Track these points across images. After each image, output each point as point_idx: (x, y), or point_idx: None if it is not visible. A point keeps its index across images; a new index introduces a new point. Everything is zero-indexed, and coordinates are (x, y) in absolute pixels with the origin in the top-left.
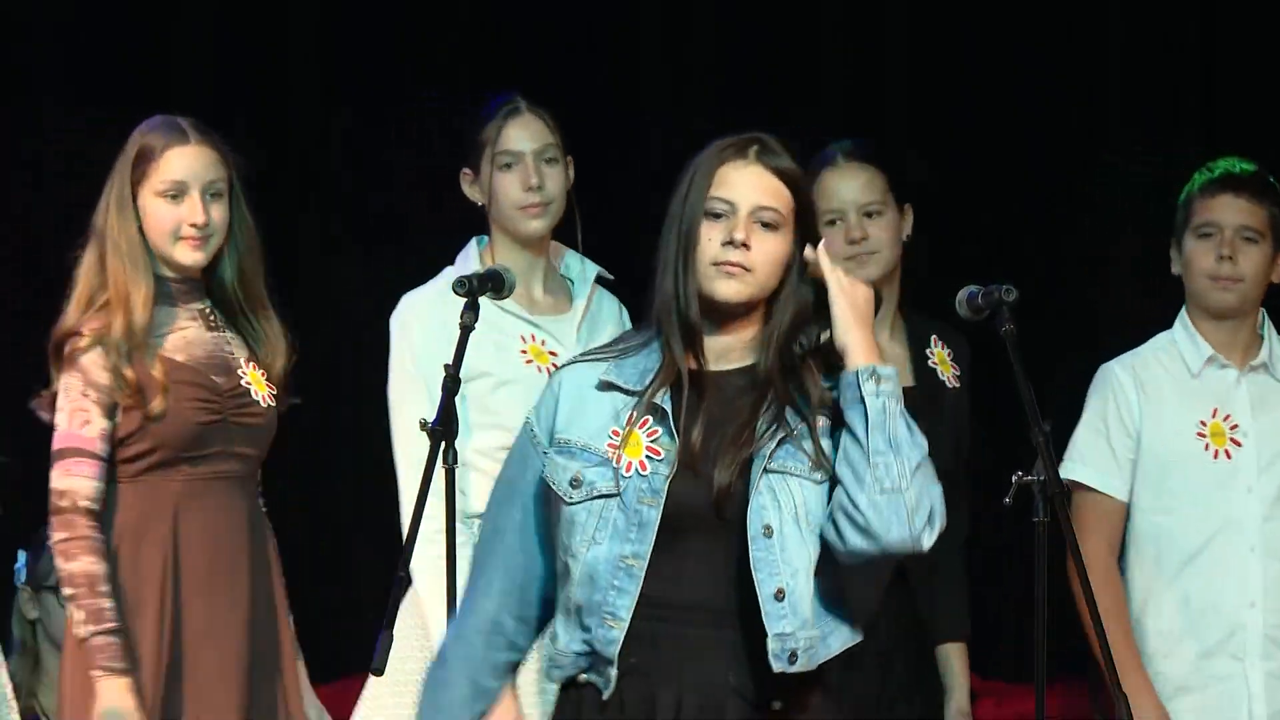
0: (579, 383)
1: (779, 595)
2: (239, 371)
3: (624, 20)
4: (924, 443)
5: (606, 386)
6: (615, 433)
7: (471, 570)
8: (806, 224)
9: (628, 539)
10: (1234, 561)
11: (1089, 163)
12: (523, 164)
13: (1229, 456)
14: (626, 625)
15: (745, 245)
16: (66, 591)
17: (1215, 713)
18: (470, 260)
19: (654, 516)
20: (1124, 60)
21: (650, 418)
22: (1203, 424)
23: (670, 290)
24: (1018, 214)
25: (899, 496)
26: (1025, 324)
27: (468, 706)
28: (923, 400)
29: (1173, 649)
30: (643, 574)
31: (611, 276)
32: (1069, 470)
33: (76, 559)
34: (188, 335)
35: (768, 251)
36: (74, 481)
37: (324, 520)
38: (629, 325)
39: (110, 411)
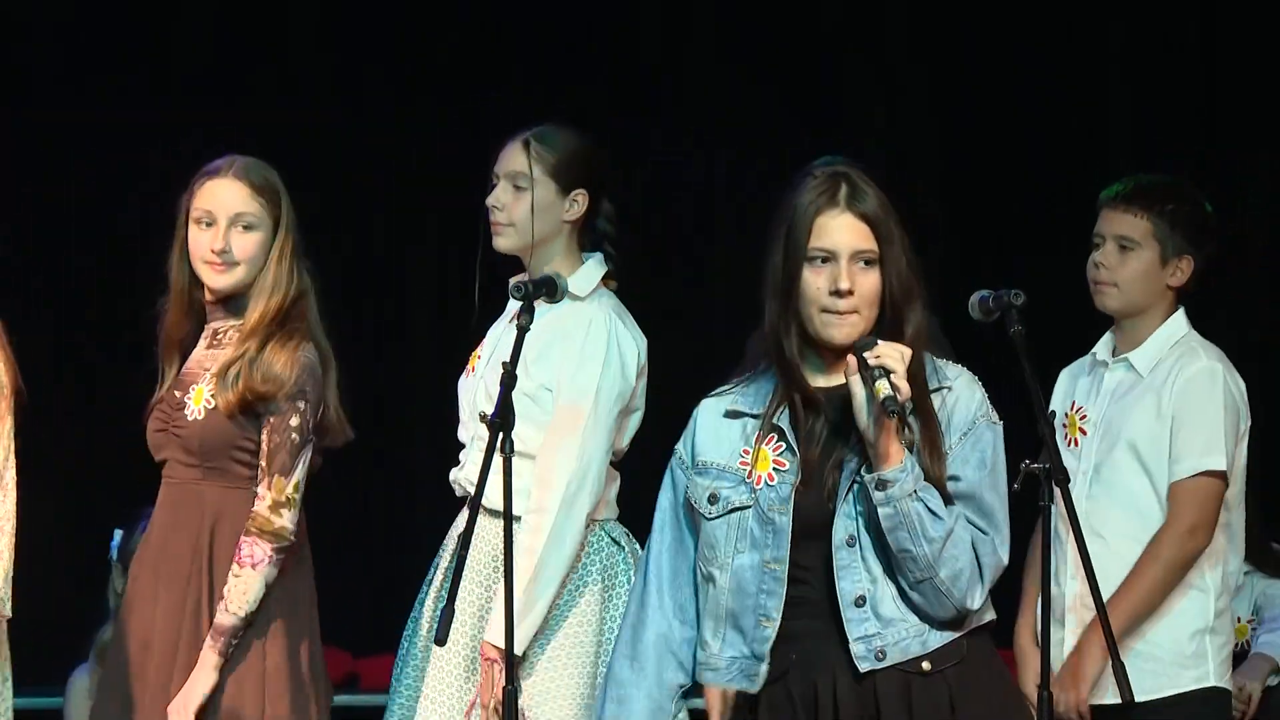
0: (712, 412)
1: (859, 601)
2: (191, 387)
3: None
4: (948, 521)
5: (734, 414)
6: (746, 451)
7: (634, 593)
8: (896, 252)
9: (766, 545)
10: (1062, 535)
11: (1093, 177)
12: (496, 184)
13: (1077, 444)
14: (778, 624)
15: (850, 292)
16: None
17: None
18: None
19: (786, 523)
20: (1125, 66)
21: (774, 435)
22: (1066, 415)
23: (776, 328)
24: (1027, 227)
25: (931, 583)
26: (1034, 326)
27: (660, 717)
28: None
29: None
30: (786, 575)
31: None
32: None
33: None
34: (196, 351)
35: (869, 288)
36: None
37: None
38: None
39: None
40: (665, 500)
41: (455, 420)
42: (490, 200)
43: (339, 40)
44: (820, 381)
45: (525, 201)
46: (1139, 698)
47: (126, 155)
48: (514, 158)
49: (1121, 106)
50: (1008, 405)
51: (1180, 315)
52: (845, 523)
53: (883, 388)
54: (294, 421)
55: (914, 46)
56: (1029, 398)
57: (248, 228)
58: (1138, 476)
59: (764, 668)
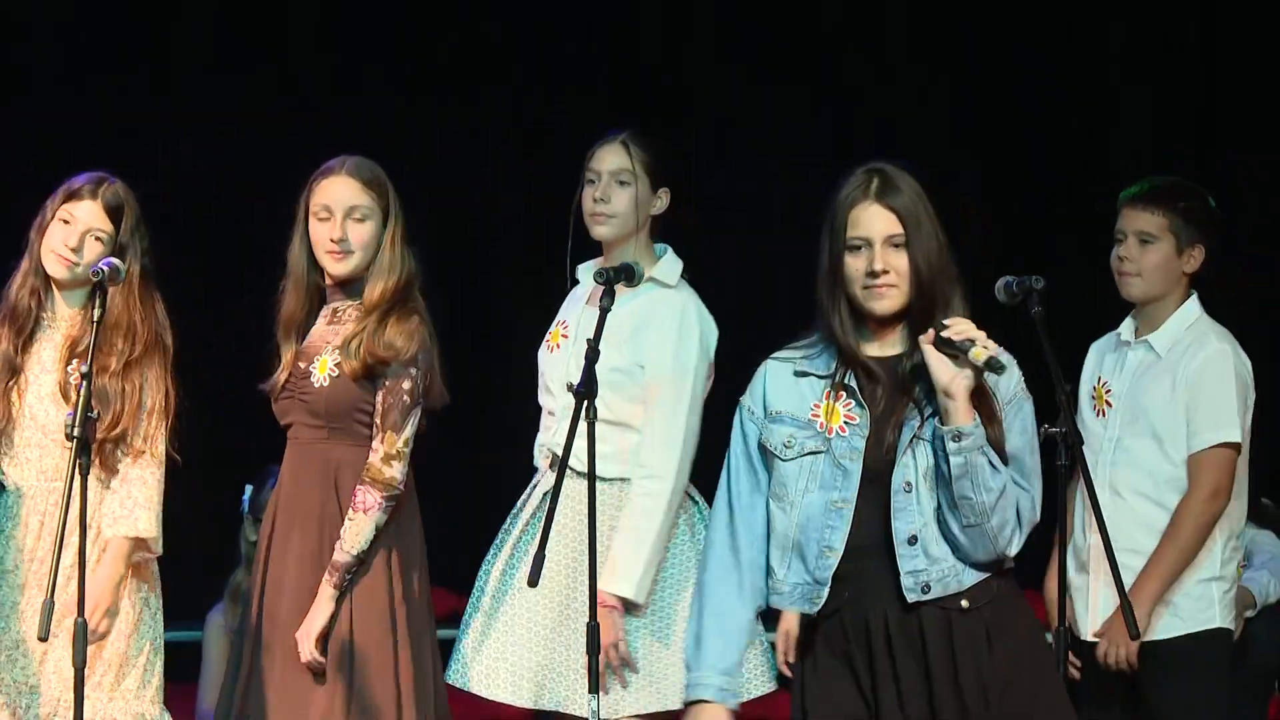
0: (781, 372)
1: (911, 540)
2: (315, 358)
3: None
4: (1004, 475)
5: (802, 374)
6: (816, 405)
7: (720, 524)
8: (924, 236)
9: (835, 486)
10: (1088, 495)
11: (1106, 177)
12: (598, 181)
13: (1104, 415)
14: (840, 554)
15: (885, 271)
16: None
17: (1078, 614)
18: (613, 256)
19: (856, 469)
20: (1131, 68)
21: (844, 393)
22: (1094, 389)
23: (828, 308)
24: (1050, 219)
25: (982, 528)
26: (1058, 307)
27: (745, 634)
28: None
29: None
30: (851, 514)
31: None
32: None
33: None
34: (313, 329)
35: (900, 267)
36: None
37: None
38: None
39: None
40: (738, 447)
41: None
42: (596, 194)
43: (339, 40)
44: (872, 351)
45: (627, 195)
46: (1160, 637)
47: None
48: (616, 156)
49: (1131, 111)
50: (1029, 376)
51: (1194, 300)
52: (903, 471)
53: (980, 353)
54: (406, 385)
55: (938, 50)
56: (1049, 371)
57: (361, 219)
58: (1153, 444)
59: (825, 591)
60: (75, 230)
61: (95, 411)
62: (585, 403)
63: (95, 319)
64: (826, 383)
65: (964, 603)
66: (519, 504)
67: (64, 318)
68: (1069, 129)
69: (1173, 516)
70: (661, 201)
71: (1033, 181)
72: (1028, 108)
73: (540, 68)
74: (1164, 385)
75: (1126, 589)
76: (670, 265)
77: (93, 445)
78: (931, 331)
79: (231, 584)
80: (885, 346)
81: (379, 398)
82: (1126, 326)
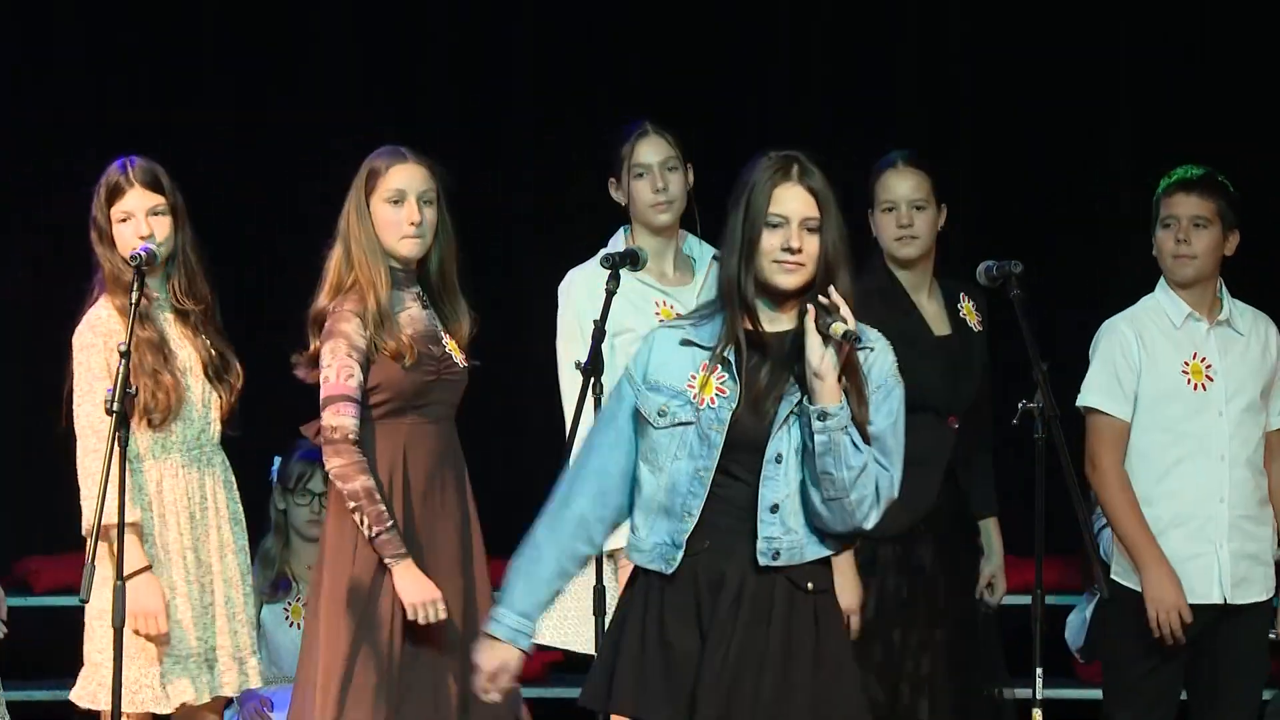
0: (667, 340)
1: (774, 508)
2: (443, 340)
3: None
4: (865, 454)
5: (687, 343)
6: (693, 376)
7: (567, 475)
8: (833, 225)
9: (699, 455)
10: (1207, 467)
11: (1092, 168)
12: (651, 173)
13: (1204, 389)
14: (697, 519)
15: (799, 249)
16: (350, 505)
17: (1196, 579)
18: (617, 243)
19: (719, 440)
20: (1123, 67)
21: (719, 367)
22: (1185, 364)
23: (735, 277)
24: (1033, 209)
25: (841, 503)
26: (1038, 291)
27: (551, 582)
28: (958, 343)
29: (1164, 531)
30: (710, 482)
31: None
32: (1088, 400)
33: (354, 479)
34: (412, 313)
35: (812, 249)
36: (343, 420)
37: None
38: None
39: (365, 368)
40: (613, 405)
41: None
42: (656, 185)
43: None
44: (766, 324)
45: (679, 180)
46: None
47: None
48: (659, 147)
49: (1122, 108)
50: (1010, 352)
51: (1223, 283)
52: (777, 444)
53: (839, 327)
54: None
55: (932, 43)
56: (1027, 349)
57: (428, 202)
58: (1255, 416)
59: (680, 555)
60: (138, 220)
61: (134, 387)
62: (591, 379)
63: (134, 301)
64: (705, 355)
65: (809, 584)
66: None
67: (159, 299)
68: (1060, 128)
69: (1274, 492)
70: (690, 177)
71: (1019, 174)
72: (1019, 105)
73: (545, 65)
74: (1253, 360)
75: (1250, 556)
76: (696, 243)
77: (131, 419)
78: (813, 309)
79: (261, 550)
80: (779, 322)
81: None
82: (1178, 307)
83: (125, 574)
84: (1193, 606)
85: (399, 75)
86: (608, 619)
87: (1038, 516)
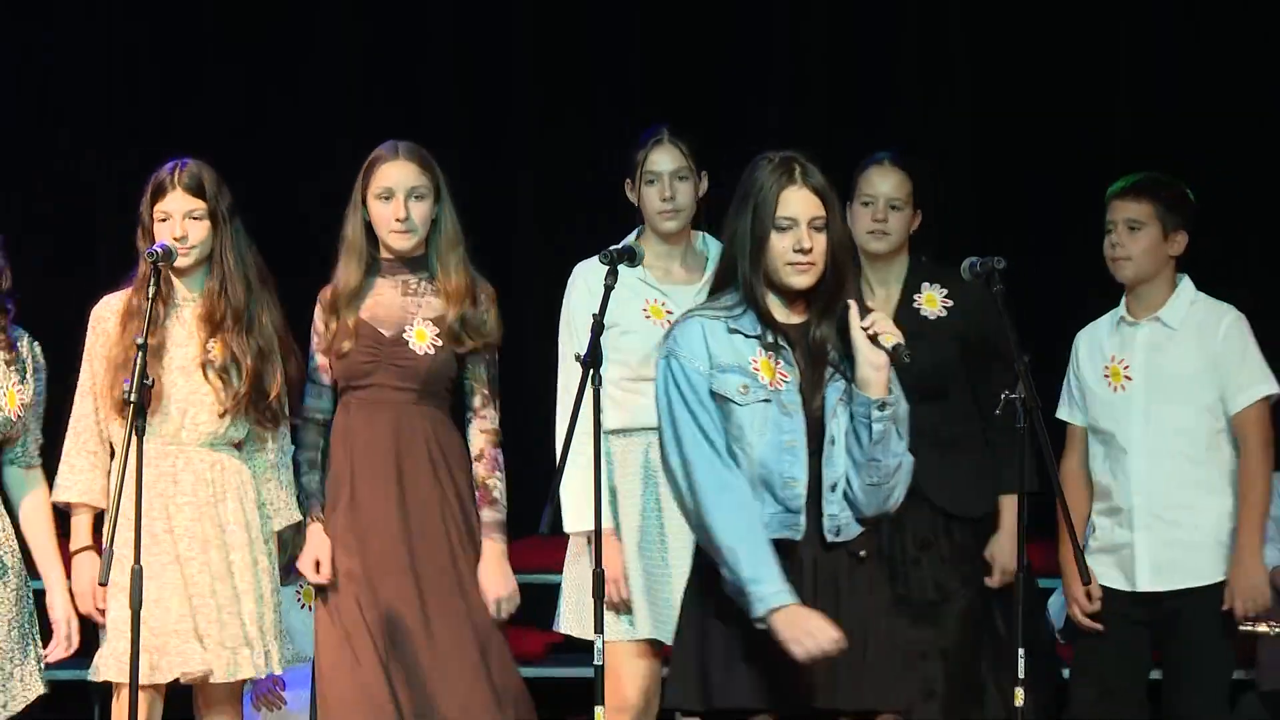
0: (715, 329)
1: (833, 487)
2: (408, 328)
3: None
4: (905, 442)
5: (735, 332)
6: (754, 361)
7: (705, 461)
8: (837, 219)
9: (784, 429)
10: (1126, 462)
11: (1087, 170)
12: (661, 181)
13: (1124, 389)
14: (804, 483)
15: (810, 249)
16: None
17: (1121, 567)
18: (628, 241)
19: (800, 417)
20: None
21: (773, 354)
22: (1106, 368)
23: (750, 281)
24: (1028, 214)
25: (881, 489)
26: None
27: (770, 544)
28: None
29: (1098, 522)
30: (803, 452)
31: None
32: (1059, 413)
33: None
34: (381, 299)
35: (821, 247)
36: (307, 400)
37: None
38: None
39: (326, 351)
40: (689, 395)
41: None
42: (664, 194)
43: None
44: (782, 319)
45: (688, 189)
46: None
47: None
48: (672, 156)
49: (1112, 110)
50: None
51: (1188, 280)
52: (832, 428)
53: (889, 338)
54: (496, 358)
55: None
56: (1009, 341)
57: (419, 197)
58: (1185, 408)
59: (802, 519)
60: (175, 222)
61: (150, 379)
62: (590, 371)
63: (150, 295)
64: (756, 342)
65: (862, 552)
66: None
67: (187, 299)
68: (1050, 128)
69: (1241, 472)
70: (703, 185)
71: (1009, 171)
72: (1010, 104)
73: (551, 60)
74: (1187, 354)
75: (1180, 543)
76: (711, 240)
77: (148, 410)
78: (854, 307)
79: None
80: (792, 315)
81: (481, 370)
82: (1124, 309)
83: (71, 549)
84: (1139, 594)
85: (399, 73)
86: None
87: (1021, 501)
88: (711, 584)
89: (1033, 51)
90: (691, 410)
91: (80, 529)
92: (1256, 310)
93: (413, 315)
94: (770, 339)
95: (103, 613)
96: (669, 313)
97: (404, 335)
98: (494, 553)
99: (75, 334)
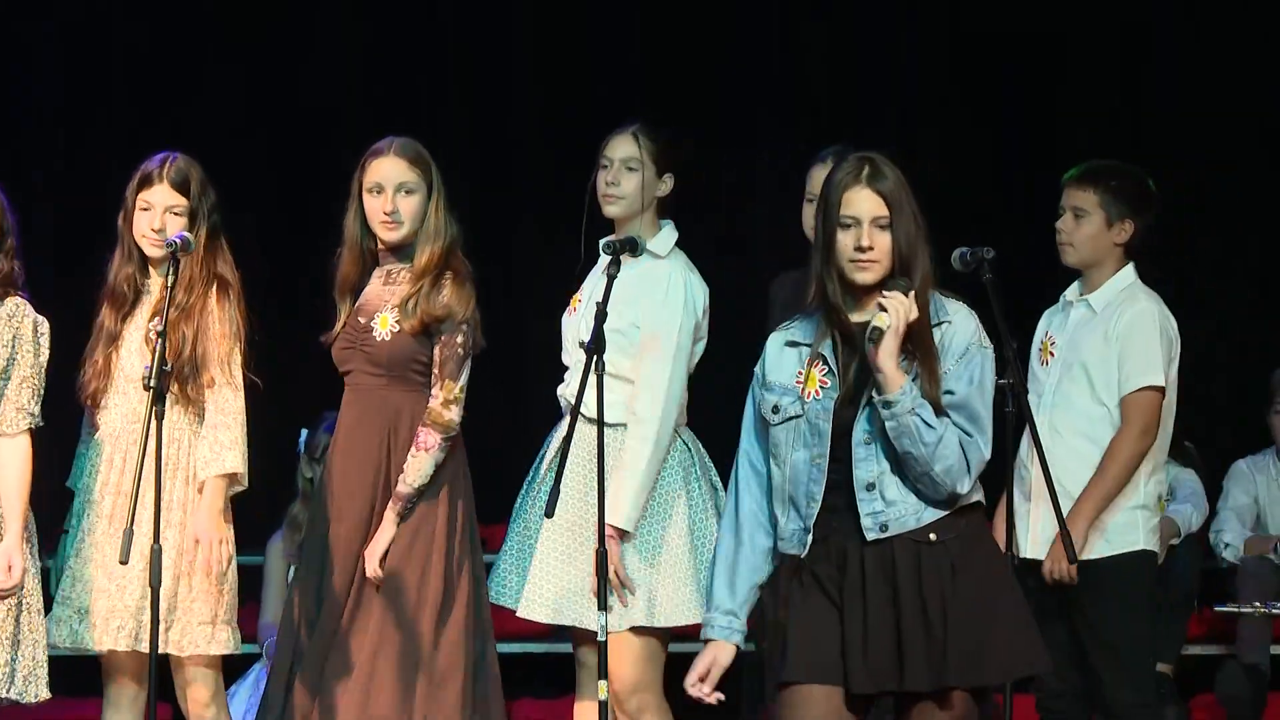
0: (777, 343)
1: (869, 487)
2: (376, 314)
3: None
4: (939, 429)
5: (792, 344)
6: (799, 373)
7: (734, 482)
8: (906, 220)
9: (812, 445)
10: (1034, 433)
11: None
12: (611, 167)
13: (1047, 364)
14: (820, 503)
15: (871, 247)
16: None
17: (1019, 535)
18: (632, 232)
19: (826, 429)
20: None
21: (819, 360)
22: (1041, 343)
23: (821, 276)
24: (1006, 199)
25: (929, 475)
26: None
27: (749, 578)
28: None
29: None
30: (826, 466)
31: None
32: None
33: None
34: (370, 289)
35: (884, 245)
36: None
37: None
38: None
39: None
40: (750, 411)
41: (559, 348)
42: (608, 178)
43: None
44: (855, 317)
45: (635, 180)
46: (1093, 556)
47: None
48: (626, 145)
49: (1085, 96)
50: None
51: (1130, 268)
52: (863, 427)
53: (873, 321)
54: (459, 339)
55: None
56: (999, 330)
57: (409, 192)
58: (1087, 389)
59: (809, 538)
60: (155, 213)
61: (170, 364)
62: (594, 358)
63: (170, 284)
64: (807, 350)
65: (931, 535)
66: (544, 446)
67: (159, 287)
68: (1052, 128)
69: (1106, 451)
70: (666, 185)
71: (992, 161)
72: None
73: (551, 60)
74: (1097, 337)
75: (1065, 516)
76: (665, 238)
77: (168, 392)
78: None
79: (289, 514)
80: (865, 315)
81: (436, 351)
82: (1072, 290)
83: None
84: (1039, 563)
85: (399, 73)
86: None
87: (1007, 481)
88: (776, 579)
89: (1032, 52)
90: (745, 435)
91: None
92: (1257, 309)
93: (386, 303)
94: (820, 346)
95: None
96: (580, 303)
97: (372, 323)
98: (383, 520)
99: (76, 332)
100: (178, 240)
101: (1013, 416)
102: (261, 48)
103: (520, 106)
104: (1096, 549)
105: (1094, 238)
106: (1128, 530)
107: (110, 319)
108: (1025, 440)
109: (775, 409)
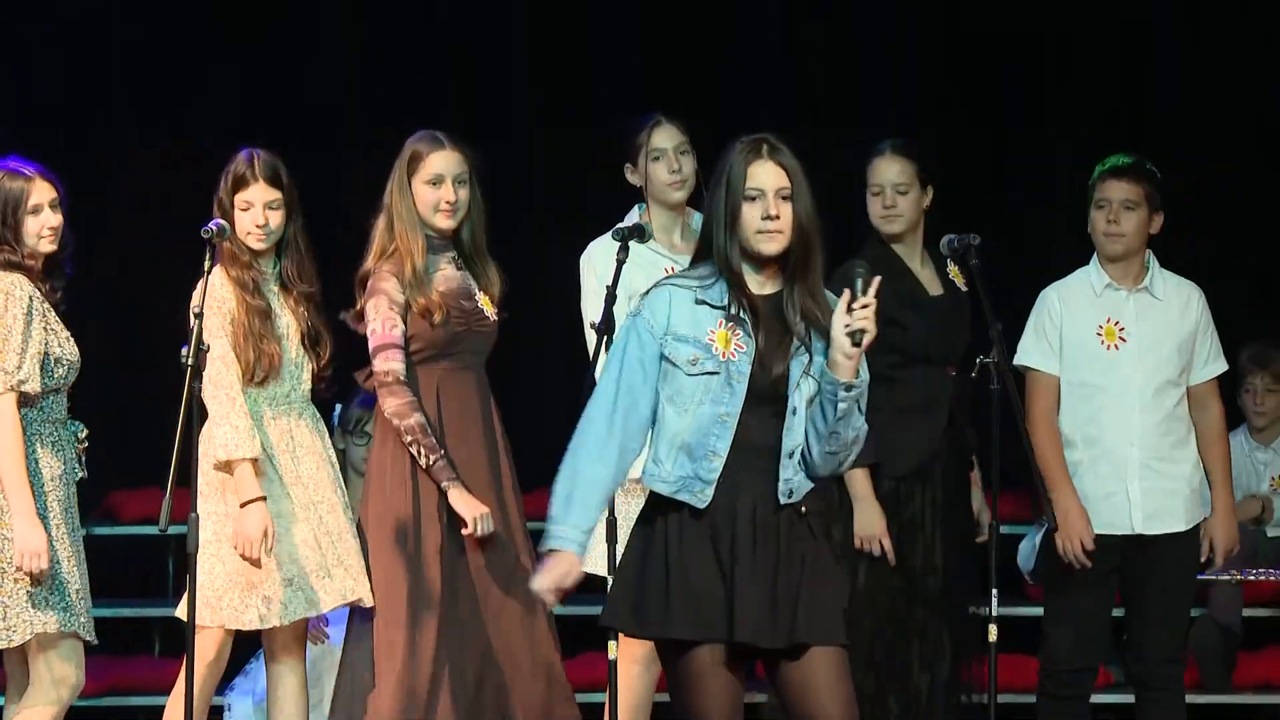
0: (683, 299)
1: (792, 454)
2: (476, 296)
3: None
4: (863, 423)
5: (701, 303)
6: (712, 332)
7: (602, 411)
8: (804, 195)
9: (723, 402)
10: (1121, 416)
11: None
12: (667, 156)
13: (1117, 348)
14: (723, 459)
15: (776, 216)
16: (407, 439)
17: (1110, 513)
18: (631, 219)
19: (741, 389)
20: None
21: (734, 324)
22: (1100, 327)
23: (725, 250)
24: (1006, 199)
25: (837, 457)
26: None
27: (600, 506)
28: (949, 301)
29: (1083, 471)
30: (734, 425)
31: None
32: (1021, 359)
33: (409, 416)
34: (446, 274)
35: (788, 216)
36: (392, 364)
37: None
38: None
39: (405, 320)
40: (633, 349)
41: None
42: (672, 166)
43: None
44: (755, 290)
45: (691, 162)
46: (1196, 523)
47: None
48: (674, 133)
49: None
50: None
51: (1153, 256)
52: (794, 397)
53: (851, 326)
54: None
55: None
56: (984, 311)
57: (462, 183)
58: (1172, 373)
59: (710, 490)
60: (257, 210)
61: (206, 345)
62: (604, 338)
63: (207, 270)
64: (721, 313)
65: (803, 509)
66: None
67: (270, 275)
68: (1054, 129)
69: (1216, 429)
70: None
71: (978, 150)
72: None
73: (551, 60)
74: (1172, 323)
75: (1165, 490)
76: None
77: (204, 372)
78: (845, 301)
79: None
80: (765, 285)
81: None
82: (1101, 276)
83: (243, 500)
84: (1113, 538)
85: (399, 73)
86: (619, 547)
87: (994, 456)
88: (654, 515)
89: (1033, 52)
90: (624, 368)
91: (248, 480)
92: (1256, 309)
93: (471, 286)
94: (734, 310)
95: (255, 562)
96: (675, 274)
97: (478, 305)
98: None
99: (80, 328)
100: (214, 228)
101: (998, 394)
102: (261, 48)
103: (520, 106)
104: (1194, 516)
105: (1140, 230)
106: (1207, 500)
107: (256, 318)
108: (1083, 416)
109: (693, 360)
